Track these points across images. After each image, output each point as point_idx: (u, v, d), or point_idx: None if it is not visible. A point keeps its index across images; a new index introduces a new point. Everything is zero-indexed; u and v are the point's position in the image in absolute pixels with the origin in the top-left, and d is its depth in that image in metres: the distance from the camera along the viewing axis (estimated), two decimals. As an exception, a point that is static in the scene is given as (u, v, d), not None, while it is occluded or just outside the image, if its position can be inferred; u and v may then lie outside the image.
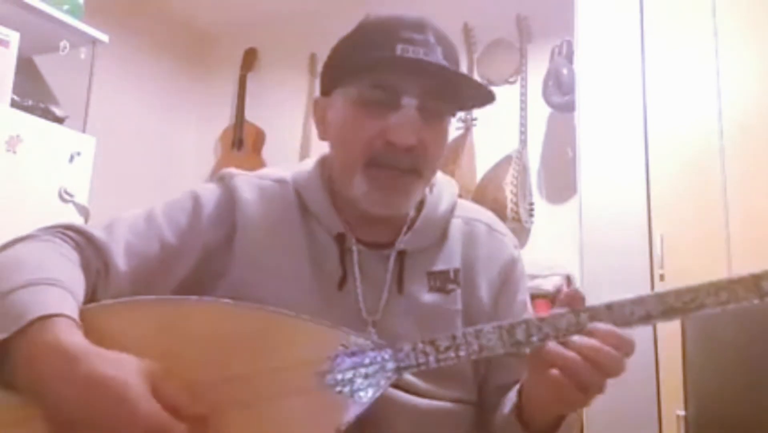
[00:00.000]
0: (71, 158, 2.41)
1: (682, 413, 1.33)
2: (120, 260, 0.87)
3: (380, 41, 0.87)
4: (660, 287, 2.01)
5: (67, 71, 2.81)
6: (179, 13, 3.67)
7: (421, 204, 0.97)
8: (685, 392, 1.30)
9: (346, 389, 0.73)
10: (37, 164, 2.30)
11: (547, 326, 0.73)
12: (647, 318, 0.72)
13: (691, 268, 2.00)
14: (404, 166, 0.88)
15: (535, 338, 0.73)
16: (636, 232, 2.11)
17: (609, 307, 0.73)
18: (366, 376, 0.73)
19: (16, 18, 2.44)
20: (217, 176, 0.99)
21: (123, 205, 1.02)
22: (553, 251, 2.72)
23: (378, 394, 0.73)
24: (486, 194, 2.84)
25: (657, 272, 2.05)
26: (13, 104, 2.36)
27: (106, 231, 0.89)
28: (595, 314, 0.72)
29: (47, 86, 2.88)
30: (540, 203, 2.98)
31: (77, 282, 0.80)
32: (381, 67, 0.87)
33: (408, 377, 0.86)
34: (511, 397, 0.88)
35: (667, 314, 0.72)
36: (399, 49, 0.86)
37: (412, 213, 0.96)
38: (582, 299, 0.74)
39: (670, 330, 1.41)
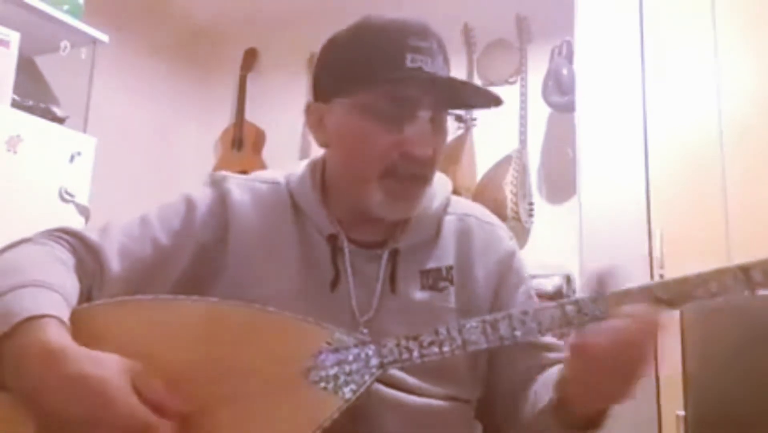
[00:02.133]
0: (71, 158, 2.41)
1: (682, 413, 1.33)
2: (114, 262, 0.88)
3: (388, 50, 0.87)
4: (660, 287, 2.01)
5: (67, 71, 2.81)
6: (179, 13, 3.67)
7: None
8: (685, 392, 1.30)
9: (330, 386, 0.73)
10: (38, 164, 2.30)
11: (531, 319, 0.73)
12: None
13: (691, 268, 1.99)
14: (420, 175, 0.89)
15: (519, 333, 0.73)
16: (636, 232, 2.11)
17: (594, 300, 0.72)
18: (350, 372, 0.74)
19: (17, 18, 2.44)
20: (211, 180, 1.00)
21: (123, 206, 1.02)
22: (553, 251, 2.72)
23: (362, 390, 0.73)
24: (486, 194, 2.83)
25: (657, 273, 2.04)
26: (14, 104, 2.36)
27: (101, 234, 0.91)
28: (581, 307, 0.72)
29: (48, 86, 2.88)
30: (540, 203, 2.98)
31: (69, 284, 0.80)
32: (397, 80, 0.87)
33: (395, 373, 0.86)
34: (543, 388, 0.87)
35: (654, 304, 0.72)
36: (409, 59, 0.86)
37: None
38: (606, 278, 0.73)
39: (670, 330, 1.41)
